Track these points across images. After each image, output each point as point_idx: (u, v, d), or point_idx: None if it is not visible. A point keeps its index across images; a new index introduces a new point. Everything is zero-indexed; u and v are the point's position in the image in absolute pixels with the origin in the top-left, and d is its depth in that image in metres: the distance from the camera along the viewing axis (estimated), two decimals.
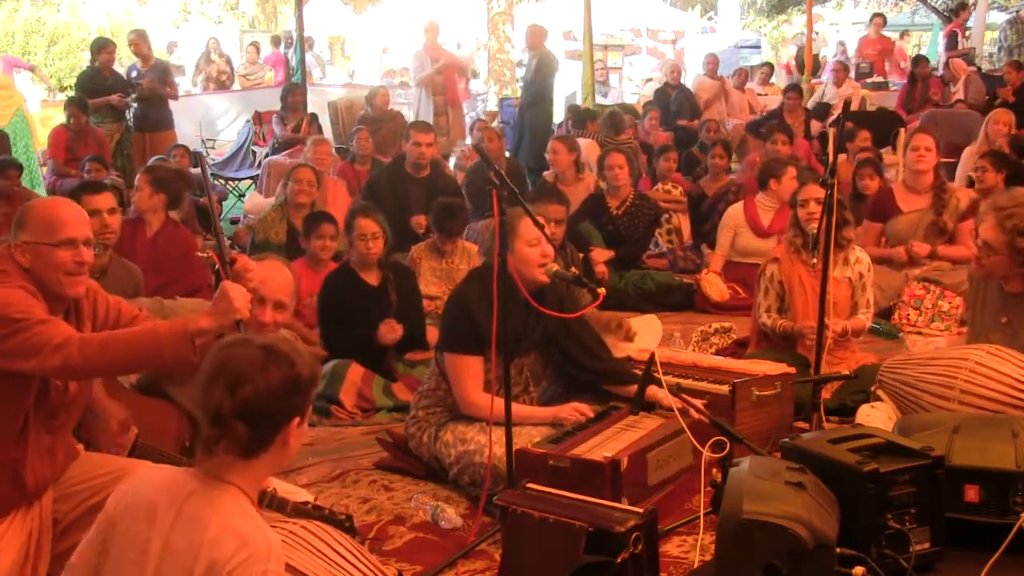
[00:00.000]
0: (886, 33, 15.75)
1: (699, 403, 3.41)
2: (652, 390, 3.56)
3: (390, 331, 4.83)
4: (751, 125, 10.85)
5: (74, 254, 2.64)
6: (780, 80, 16.51)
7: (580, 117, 10.42)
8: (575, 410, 3.60)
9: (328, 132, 11.53)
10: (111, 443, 3.16)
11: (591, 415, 3.58)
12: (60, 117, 9.78)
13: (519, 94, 13.73)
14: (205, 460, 2.10)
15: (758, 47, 22.32)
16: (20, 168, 7.63)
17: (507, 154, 9.48)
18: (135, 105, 9.59)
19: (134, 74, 9.81)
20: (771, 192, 6.43)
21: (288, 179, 6.44)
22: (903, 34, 22.06)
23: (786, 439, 3.01)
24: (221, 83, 16.23)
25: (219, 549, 1.96)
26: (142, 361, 2.57)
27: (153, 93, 9.60)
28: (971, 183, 7.01)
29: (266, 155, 10.18)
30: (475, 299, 3.60)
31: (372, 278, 4.99)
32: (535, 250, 3.61)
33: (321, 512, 2.82)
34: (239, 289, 2.62)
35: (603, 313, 5.06)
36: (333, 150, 10.44)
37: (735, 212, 6.59)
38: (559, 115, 12.35)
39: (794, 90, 11.25)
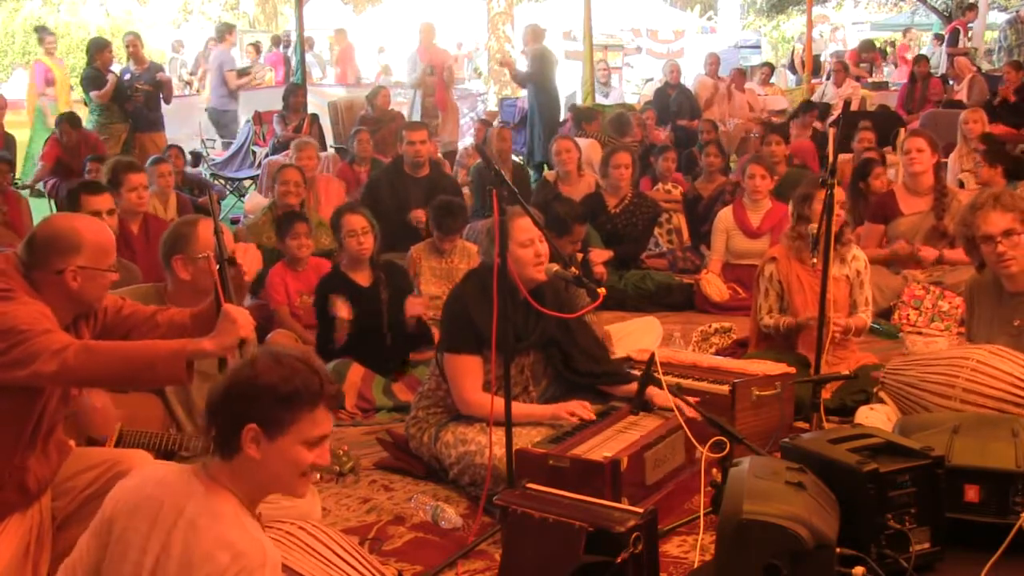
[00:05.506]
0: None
1: (694, 401, 3.40)
2: (648, 390, 3.56)
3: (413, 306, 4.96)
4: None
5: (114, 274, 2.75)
6: (780, 80, 16.50)
7: (580, 117, 10.40)
8: (575, 408, 3.59)
9: (328, 132, 11.52)
10: (97, 432, 3.19)
11: (590, 415, 3.57)
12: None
13: (519, 94, 13.73)
14: (209, 459, 2.14)
15: (758, 47, 22.32)
16: (10, 164, 7.63)
17: (514, 157, 9.48)
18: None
19: (127, 76, 9.83)
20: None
21: (274, 181, 6.41)
22: (906, 31, 22.00)
23: (786, 439, 3.01)
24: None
25: (213, 563, 1.98)
26: (134, 374, 2.56)
27: (150, 97, 9.65)
28: (961, 185, 7.01)
29: (266, 155, 10.18)
30: (472, 299, 3.60)
31: (363, 279, 4.97)
32: (528, 250, 3.62)
33: None
34: (241, 311, 2.63)
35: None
36: (333, 150, 10.45)
37: (725, 216, 6.62)
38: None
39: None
